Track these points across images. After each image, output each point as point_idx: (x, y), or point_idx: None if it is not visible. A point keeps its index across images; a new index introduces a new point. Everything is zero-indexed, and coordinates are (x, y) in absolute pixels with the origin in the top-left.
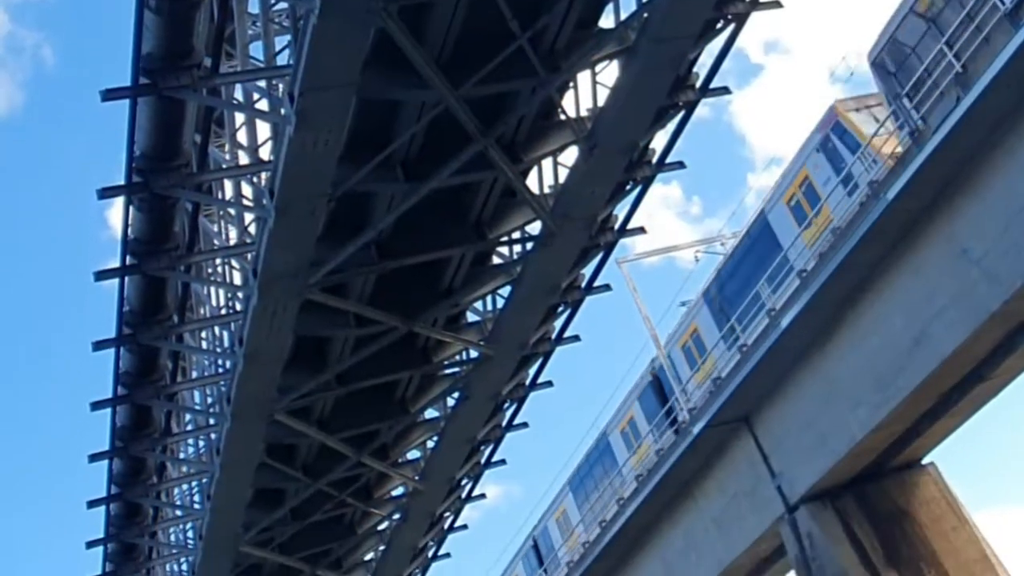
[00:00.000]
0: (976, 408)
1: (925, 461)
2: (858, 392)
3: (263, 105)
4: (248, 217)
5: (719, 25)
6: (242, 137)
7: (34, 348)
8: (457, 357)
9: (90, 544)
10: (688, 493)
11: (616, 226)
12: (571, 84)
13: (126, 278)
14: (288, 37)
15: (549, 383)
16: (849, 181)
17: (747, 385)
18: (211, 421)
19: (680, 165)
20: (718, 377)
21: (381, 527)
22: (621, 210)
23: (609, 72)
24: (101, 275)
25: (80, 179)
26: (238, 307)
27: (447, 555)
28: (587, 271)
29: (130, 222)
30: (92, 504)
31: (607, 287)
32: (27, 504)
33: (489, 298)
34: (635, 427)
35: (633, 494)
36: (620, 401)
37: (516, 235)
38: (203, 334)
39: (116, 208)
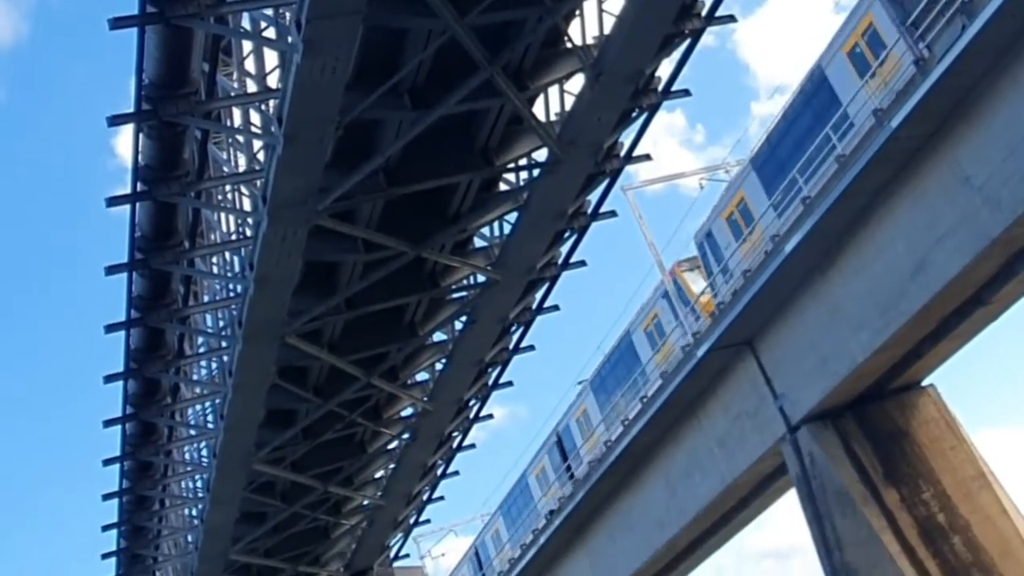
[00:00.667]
0: (976, 332)
1: (925, 383)
2: (860, 316)
3: (270, 33)
4: (257, 144)
5: None
6: (250, 65)
7: (46, 276)
8: (465, 282)
9: (107, 462)
10: (692, 414)
11: (621, 153)
12: (577, 12)
13: (137, 204)
14: None
15: (555, 307)
16: None
17: (750, 309)
18: (223, 344)
19: (686, 93)
20: (721, 303)
21: (391, 446)
22: (626, 137)
23: (615, 0)
24: (113, 201)
25: (86, 109)
26: (248, 233)
27: (455, 473)
28: (593, 198)
29: (140, 149)
30: (108, 423)
31: (612, 213)
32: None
33: (496, 224)
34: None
35: (637, 415)
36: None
37: (523, 162)
38: (214, 259)
39: (124, 137)
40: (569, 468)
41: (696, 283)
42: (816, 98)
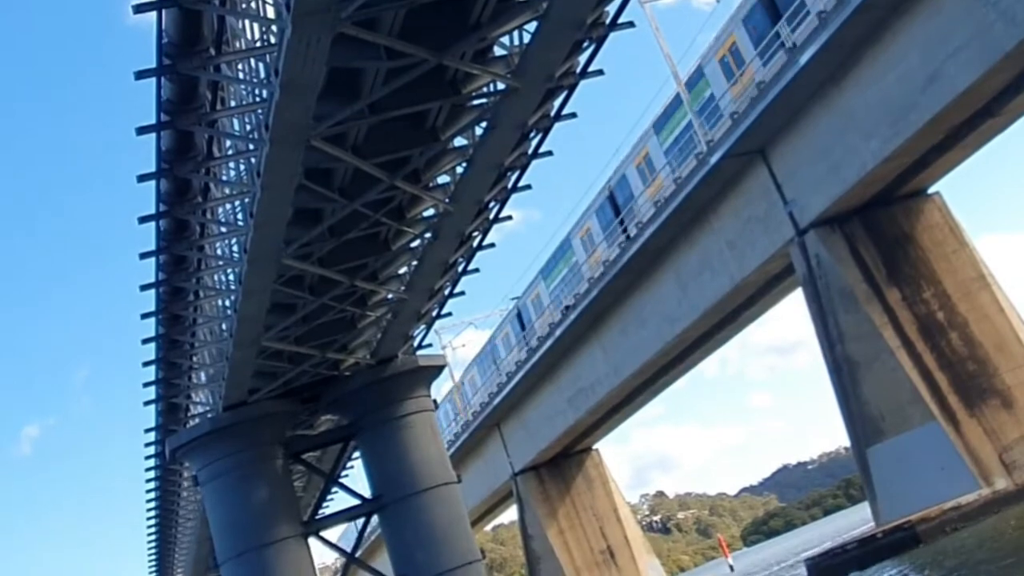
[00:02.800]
0: (983, 142)
1: (931, 190)
2: (871, 125)
3: None
4: None
5: None
6: None
7: (74, 83)
8: (485, 89)
9: (143, 255)
10: (704, 218)
11: None
12: None
13: (163, 11)
14: None
15: (573, 115)
16: None
17: (764, 119)
18: (251, 147)
19: None
20: (735, 112)
21: (414, 244)
22: None
23: None
24: (139, 8)
25: None
26: (272, 40)
27: (476, 270)
28: (611, 8)
29: None
30: (143, 220)
31: (630, 24)
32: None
33: (516, 33)
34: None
35: (651, 218)
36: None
37: None
38: (239, 66)
39: None
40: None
41: None
42: None
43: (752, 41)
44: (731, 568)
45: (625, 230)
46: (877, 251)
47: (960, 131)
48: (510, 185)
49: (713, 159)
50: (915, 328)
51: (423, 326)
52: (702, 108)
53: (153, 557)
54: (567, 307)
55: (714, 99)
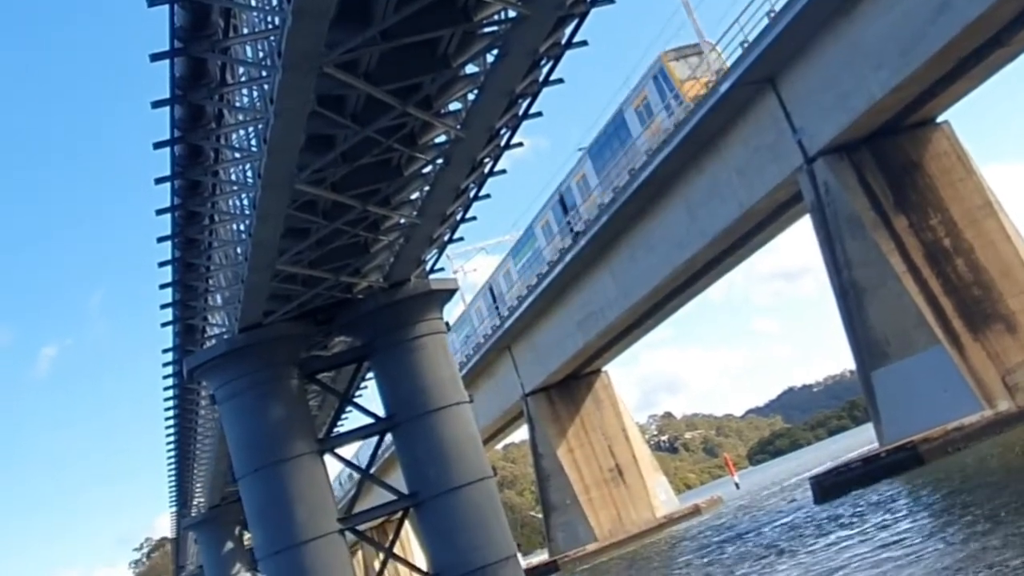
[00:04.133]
0: (992, 72)
1: (939, 120)
2: (880, 56)
3: None
4: None
5: None
6: None
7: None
8: (496, 16)
9: (159, 180)
10: (713, 146)
11: None
12: None
13: None
14: None
15: (584, 42)
16: None
17: (774, 48)
18: (263, 74)
19: None
20: (745, 40)
21: (426, 170)
22: None
23: None
24: None
25: None
26: None
27: (487, 196)
28: None
29: None
30: (157, 146)
31: None
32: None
33: None
34: None
35: (661, 145)
36: None
37: None
38: None
39: None
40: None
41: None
42: None
43: None
44: (737, 486)
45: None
46: (885, 179)
47: (969, 61)
48: (521, 112)
49: (723, 87)
50: (921, 254)
51: (435, 250)
52: None
53: (172, 473)
54: (577, 233)
55: None
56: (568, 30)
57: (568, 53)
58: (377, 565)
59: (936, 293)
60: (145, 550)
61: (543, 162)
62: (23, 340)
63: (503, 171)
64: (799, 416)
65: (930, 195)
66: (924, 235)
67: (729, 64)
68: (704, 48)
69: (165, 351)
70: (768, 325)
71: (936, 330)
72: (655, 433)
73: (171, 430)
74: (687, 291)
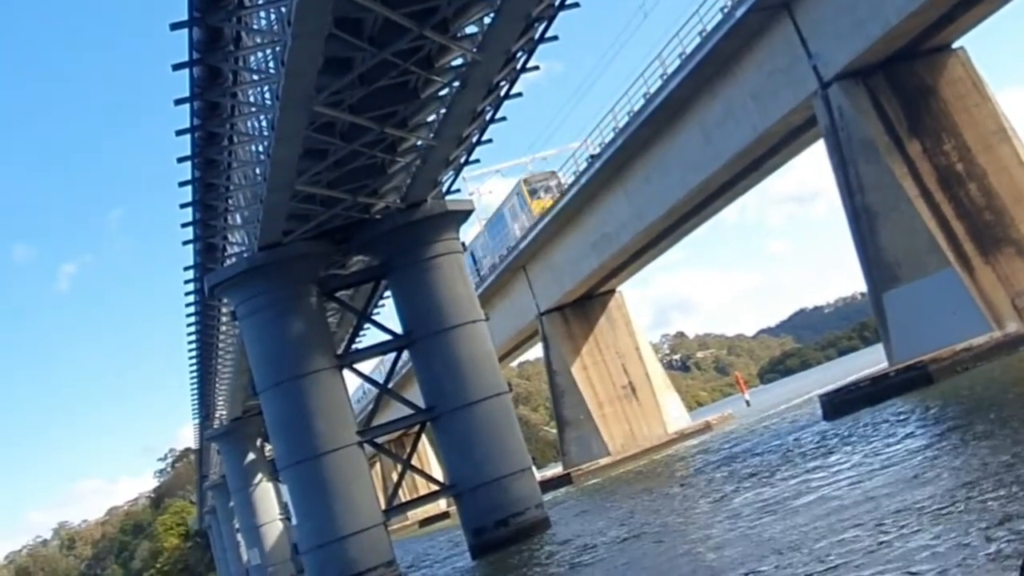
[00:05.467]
0: None
1: (955, 45)
2: None
3: None
4: None
5: None
6: None
7: None
8: None
9: (178, 101)
10: (728, 71)
11: None
12: None
13: None
14: None
15: None
16: None
17: None
18: None
19: None
20: None
21: (442, 93)
22: None
23: None
24: None
25: None
26: None
27: (503, 119)
28: None
29: None
30: (177, 67)
31: None
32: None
33: None
34: None
35: (676, 70)
36: None
37: None
38: None
39: None
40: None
41: None
42: None
43: None
44: (747, 403)
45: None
46: (899, 104)
47: None
48: (537, 36)
49: (739, 12)
50: (934, 179)
51: (451, 172)
52: None
53: (195, 386)
54: (592, 156)
55: None
56: None
57: None
58: (395, 477)
59: (948, 217)
60: (169, 460)
61: (557, 86)
62: (44, 257)
63: (519, 94)
64: (810, 337)
65: (944, 120)
66: (937, 160)
67: None
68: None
69: (186, 268)
70: (781, 247)
71: (947, 253)
72: (667, 352)
73: (193, 345)
74: (701, 213)
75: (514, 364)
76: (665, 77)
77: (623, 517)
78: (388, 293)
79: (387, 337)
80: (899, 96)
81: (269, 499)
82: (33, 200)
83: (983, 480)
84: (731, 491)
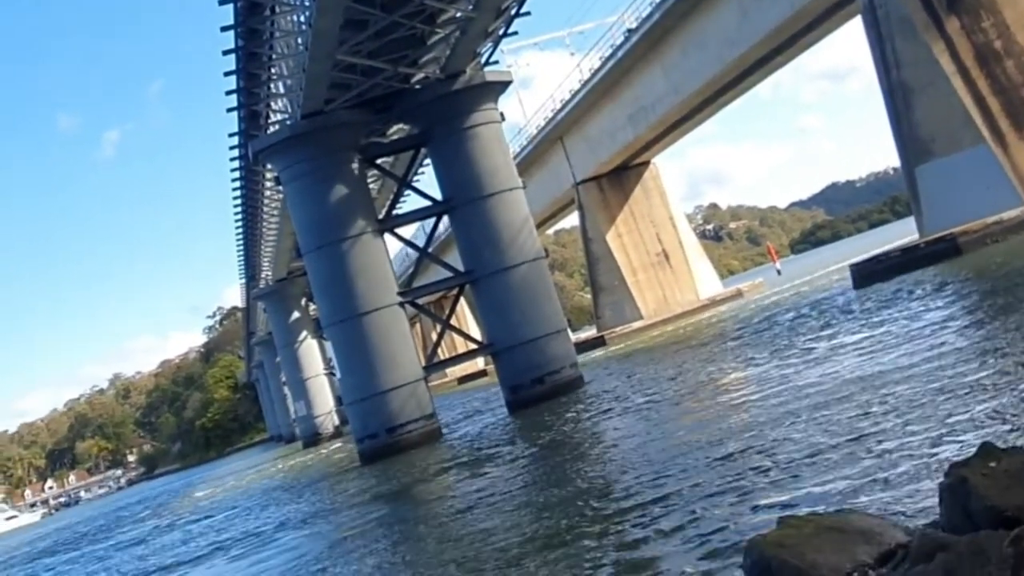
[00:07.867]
0: None
1: None
2: None
3: None
4: None
5: None
6: None
7: None
8: None
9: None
10: None
11: None
12: None
13: None
14: None
15: None
16: None
17: None
18: None
19: None
20: None
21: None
22: None
23: None
24: None
25: None
26: None
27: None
28: None
29: None
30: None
31: None
32: None
33: None
34: None
35: None
36: None
37: None
38: None
39: None
40: None
41: None
42: None
43: None
44: (778, 272)
45: None
46: None
47: None
48: None
49: None
50: (972, 56)
51: (490, 43)
52: None
53: (240, 248)
54: (629, 30)
55: None
56: None
57: None
58: (435, 336)
59: (984, 94)
60: (217, 318)
61: None
62: (87, 125)
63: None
64: (841, 210)
65: None
66: (976, 37)
67: None
68: None
69: (231, 135)
70: (814, 122)
71: (982, 129)
72: (701, 222)
73: (238, 209)
74: (736, 87)
75: (550, 232)
76: None
77: (655, 373)
78: (428, 161)
79: (427, 203)
80: None
81: (314, 355)
82: (73, 70)
83: (1011, 347)
84: (762, 354)
